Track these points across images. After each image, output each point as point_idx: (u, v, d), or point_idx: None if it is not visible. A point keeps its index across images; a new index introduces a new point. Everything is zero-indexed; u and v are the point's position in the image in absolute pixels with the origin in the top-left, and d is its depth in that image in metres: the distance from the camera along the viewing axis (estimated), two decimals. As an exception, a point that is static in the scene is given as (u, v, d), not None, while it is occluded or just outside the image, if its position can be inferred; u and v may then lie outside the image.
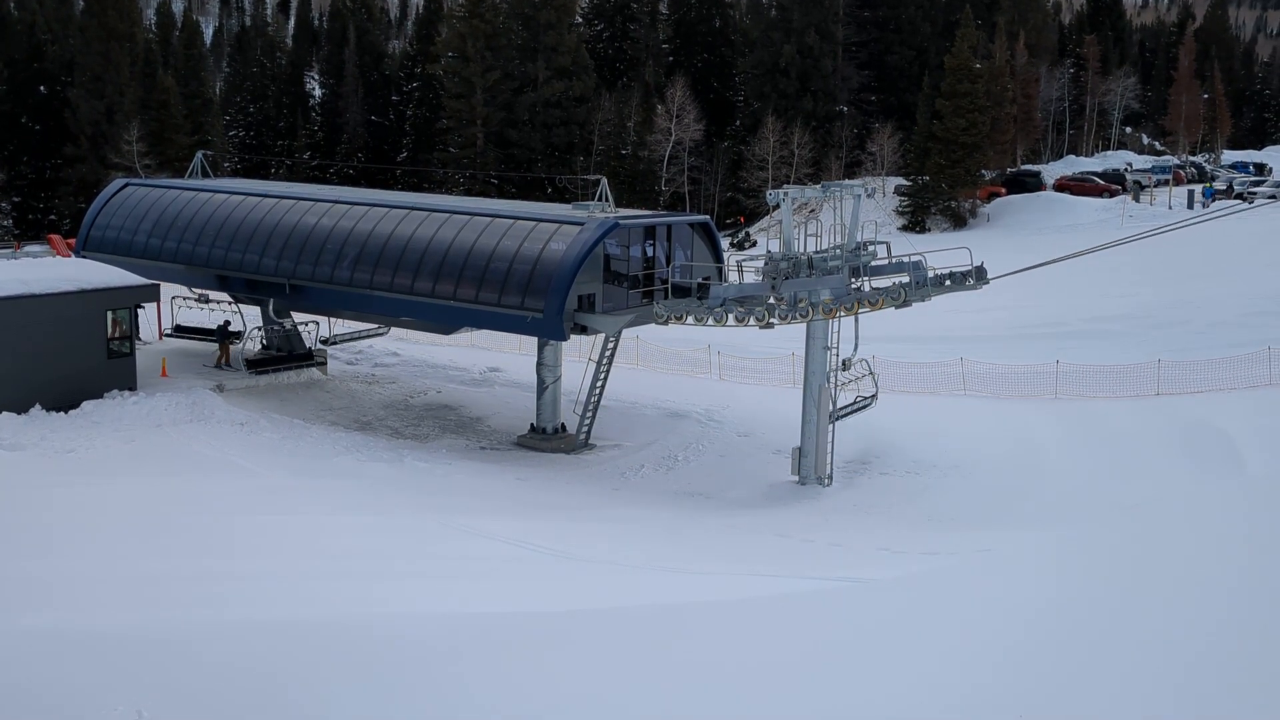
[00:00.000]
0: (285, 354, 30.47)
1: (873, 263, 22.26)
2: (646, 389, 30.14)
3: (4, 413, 22.70)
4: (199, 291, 31.35)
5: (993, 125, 69.52)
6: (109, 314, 25.30)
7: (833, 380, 22.29)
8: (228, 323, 30.52)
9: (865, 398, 23.69)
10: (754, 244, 61.09)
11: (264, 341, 31.94)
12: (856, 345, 22.30)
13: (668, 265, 25.46)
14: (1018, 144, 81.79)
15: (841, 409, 22.86)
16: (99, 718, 7.78)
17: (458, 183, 68.82)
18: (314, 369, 30.72)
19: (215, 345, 30.32)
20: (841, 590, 11.83)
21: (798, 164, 70.22)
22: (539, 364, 26.38)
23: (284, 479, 20.43)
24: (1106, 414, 27.26)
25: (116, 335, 25.35)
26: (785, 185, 34.77)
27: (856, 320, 22.01)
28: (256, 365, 29.32)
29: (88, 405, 24.12)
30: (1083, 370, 29.25)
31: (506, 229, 24.90)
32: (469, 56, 70.32)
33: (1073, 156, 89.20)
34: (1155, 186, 68.99)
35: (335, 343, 32.73)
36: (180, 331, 31.68)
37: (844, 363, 22.26)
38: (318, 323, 31.37)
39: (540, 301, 23.44)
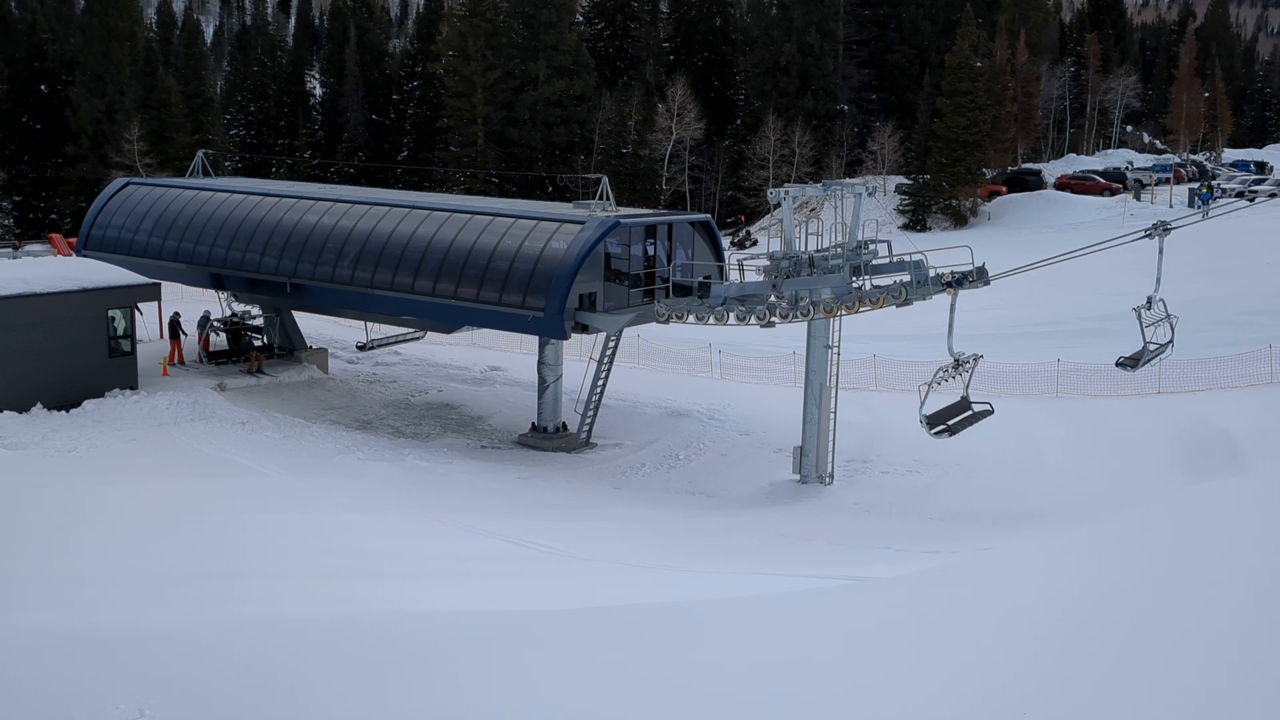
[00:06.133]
0: None
1: (874, 261, 22.26)
2: (647, 388, 30.15)
3: (5, 411, 22.72)
4: (227, 313, 31.24)
5: (993, 124, 69.54)
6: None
7: (1140, 318, 20.03)
8: (245, 330, 30.77)
9: (1160, 345, 20.96)
10: (755, 243, 61.10)
11: (264, 339, 32.02)
12: (1158, 283, 20.21)
13: (669, 264, 25.46)
14: (1018, 142, 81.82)
15: (1146, 352, 20.63)
16: (101, 715, 7.80)
17: (458, 182, 68.83)
18: None
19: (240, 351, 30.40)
20: (843, 589, 11.83)
21: (799, 163, 70.23)
22: (540, 363, 26.40)
23: (285, 478, 20.43)
24: (1107, 413, 27.26)
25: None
26: (786, 184, 34.75)
27: (1161, 254, 20.13)
28: None
29: (89, 404, 24.14)
30: (1083, 369, 29.24)
31: (507, 228, 24.89)
32: (470, 55, 70.32)
33: (1074, 155, 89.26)
34: (1156, 185, 69.00)
35: (372, 348, 31.86)
36: (214, 358, 30.68)
37: (1148, 300, 20.34)
38: None
39: (541, 300, 23.44)
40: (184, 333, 29.78)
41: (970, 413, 21.72)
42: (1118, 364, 20.94)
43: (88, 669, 8.58)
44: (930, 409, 20.39)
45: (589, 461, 24.88)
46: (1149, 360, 20.76)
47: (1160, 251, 20.31)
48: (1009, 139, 76.41)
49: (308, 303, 28.81)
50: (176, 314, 29.82)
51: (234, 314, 31.19)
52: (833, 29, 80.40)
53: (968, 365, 21.54)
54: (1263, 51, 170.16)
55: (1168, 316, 20.69)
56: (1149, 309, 20.45)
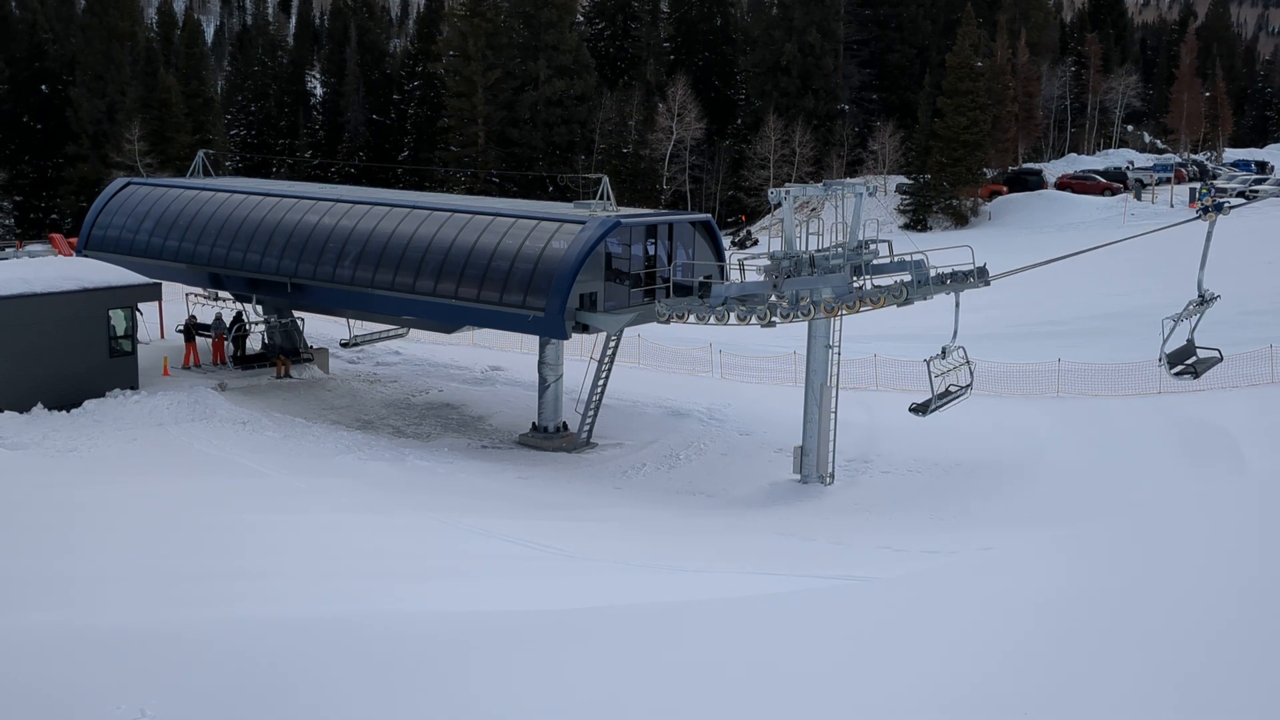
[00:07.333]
0: None
1: (874, 261, 22.27)
2: (648, 388, 30.16)
3: (6, 411, 22.73)
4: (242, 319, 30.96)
5: (994, 123, 69.53)
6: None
7: (929, 369, 20.84)
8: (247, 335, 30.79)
9: (960, 388, 21.85)
10: (755, 242, 61.11)
11: (265, 339, 32.00)
12: (956, 333, 21.16)
13: (669, 264, 25.46)
14: (1019, 142, 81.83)
15: (936, 400, 21.25)
16: (102, 715, 7.80)
17: (459, 181, 68.82)
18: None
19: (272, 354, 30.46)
20: (843, 589, 11.83)
21: (799, 162, 70.23)
22: (540, 363, 26.41)
23: (286, 478, 20.44)
24: (1108, 412, 27.25)
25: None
26: (787, 184, 34.74)
27: (957, 306, 21.06)
28: None
29: (90, 404, 24.15)
30: (1084, 368, 29.25)
31: (508, 228, 24.91)
32: (470, 55, 70.32)
33: (1074, 155, 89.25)
34: (1157, 185, 69.00)
35: (355, 344, 31.92)
36: (239, 363, 30.51)
37: (942, 350, 21.16)
38: None
39: (542, 300, 23.45)
40: (199, 334, 29.75)
41: (1197, 358, 22.05)
42: (910, 409, 21.47)
43: (88, 669, 8.58)
44: (1167, 349, 20.83)
45: (589, 461, 24.90)
46: (943, 405, 21.45)
47: (956, 305, 21.17)
48: (1009, 139, 76.42)
49: (308, 303, 28.84)
50: (192, 317, 29.78)
51: (247, 317, 30.90)
52: (833, 29, 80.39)
53: (1211, 304, 21.85)
54: (1263, 51, 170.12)
55: (967, 362, 21.66)
56: (943, 358, 21.19)
